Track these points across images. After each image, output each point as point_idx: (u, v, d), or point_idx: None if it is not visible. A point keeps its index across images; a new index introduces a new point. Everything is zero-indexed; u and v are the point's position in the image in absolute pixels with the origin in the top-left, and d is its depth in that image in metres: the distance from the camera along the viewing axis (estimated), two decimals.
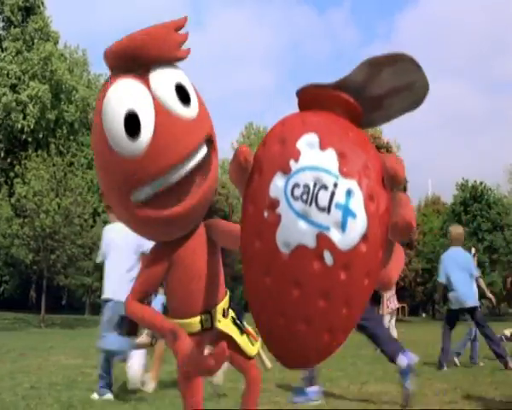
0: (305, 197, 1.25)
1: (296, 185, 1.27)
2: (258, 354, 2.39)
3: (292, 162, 1.29)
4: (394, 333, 12.54)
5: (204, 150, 1.99)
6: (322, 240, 1.24)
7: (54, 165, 29.34)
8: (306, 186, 1.25)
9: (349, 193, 1.24)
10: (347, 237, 1.23)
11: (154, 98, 1.88)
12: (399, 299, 48.97)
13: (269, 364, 2.44)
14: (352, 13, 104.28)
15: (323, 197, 1.24)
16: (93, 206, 41.10)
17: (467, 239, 40.80)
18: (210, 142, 2.04)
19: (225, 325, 2.24)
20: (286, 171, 1.29)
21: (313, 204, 1.25)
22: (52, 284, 35.17)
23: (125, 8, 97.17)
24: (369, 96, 1.42)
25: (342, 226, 1.23)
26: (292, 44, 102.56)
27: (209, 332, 2.19)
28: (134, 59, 1.88)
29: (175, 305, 2.18)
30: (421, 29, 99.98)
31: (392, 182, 1.31)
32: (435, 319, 45.43)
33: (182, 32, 1.95)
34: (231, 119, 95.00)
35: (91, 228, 31.98)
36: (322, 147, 1.29)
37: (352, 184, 1.25)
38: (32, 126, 34.14)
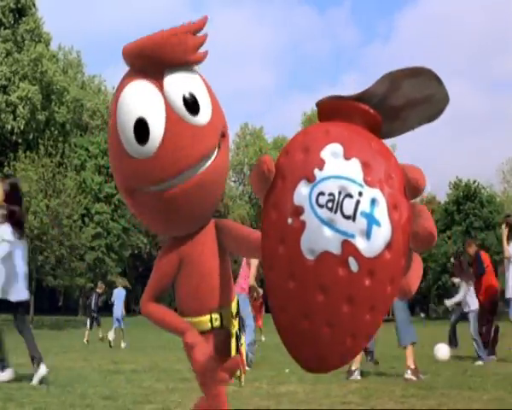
0: (330, 205, 1.29)
1: (321, 193, 1.31)
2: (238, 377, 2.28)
3: (316, 171, 1.33)
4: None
5: (215, 152, 1.99)
6: (348, 247, 1.28)
7: (42, 166, 29.22)
8: (331, 194, 1.29)
9: (373, 202, 1.28)
10: (372, 244, 1.27)
11: (167, 104, 1.88)
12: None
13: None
14: (352, 12, 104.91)
15: (348, 206, 1.28)
16: (86, 207, 41.04)
17: (459, 238, 41.38)
18: (222, 136, 2.04)
19: (233, 327, 2.21)
20: (310, 179, 1.34)
21: (338, 212, 1.28)
22: (48, 286, 35.00)
23: (123, 10, 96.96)
24: (389, 107, 1.46)
25: (367, 234, 1.27)
26: (292, 44, 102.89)
27: (221, 331, 2.17)
28: (149, 60, 1.87)
29: (184, 303, 2.17)
30: (421, 28, 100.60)
31: (414, 192, 1.35)
32: (429, 319, 45.67)
33: (200, 33, 1.93)
34: (231, 119, 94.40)
35: (80, 229, 31.89)
36: (347, 156, 1.33)
37: (376, 193, 1.30)
38: (22, 128, 34.01)
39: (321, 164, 1.34)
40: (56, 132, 36.52)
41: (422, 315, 50.39)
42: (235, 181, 66.20)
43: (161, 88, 1.89)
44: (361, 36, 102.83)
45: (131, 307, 59.13)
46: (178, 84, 1.92)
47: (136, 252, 49.91)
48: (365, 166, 1.32)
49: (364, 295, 1.30)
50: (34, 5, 38.21)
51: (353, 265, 1.28)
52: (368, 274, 1.28)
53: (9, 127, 34.01)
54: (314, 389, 5.33)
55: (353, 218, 1.28)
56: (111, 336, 13.93)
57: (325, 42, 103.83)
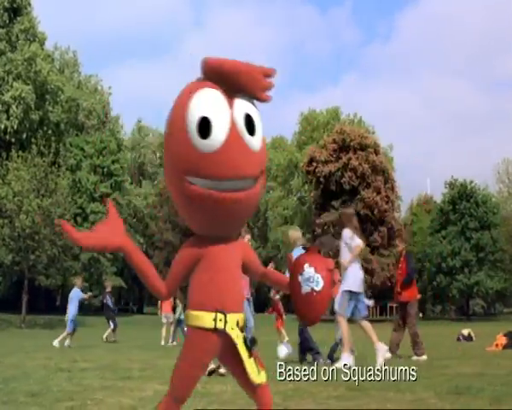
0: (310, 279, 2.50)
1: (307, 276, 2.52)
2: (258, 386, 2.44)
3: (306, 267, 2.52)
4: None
5: (253, 183, 2.31)
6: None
7: (34, 165, 29.23)
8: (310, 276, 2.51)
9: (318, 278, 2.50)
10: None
11: (232, 117, 2.22)
12: (386, 299, 48.11)
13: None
14: (354, 12, 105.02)
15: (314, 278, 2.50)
16: (81, 206, 41.08)
17: (455, 237, 41.29)
18: (261, 172, 2.38)
19: (237, 337, 2.34)
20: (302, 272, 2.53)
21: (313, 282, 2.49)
22: (44, 286, 35.05)
23: (121, 9, 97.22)
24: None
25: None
26: (292, 44, 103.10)
27: (222, 336, 2.30)
28: (227, 80, 2.21)
29: (194, 294, 2.33)
30: (422, 28, 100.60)
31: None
32: (425, 319, 45.63)
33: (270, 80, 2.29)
34: None
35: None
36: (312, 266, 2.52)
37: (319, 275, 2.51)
38: (15, 127, 34.07)
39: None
40: (50, 132, 36.53)
41: (420, 315, 50.34)
42: None
43: (230, 104, 2.23)
44: (362, 36, 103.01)
45: (130, 306, 59.46)
46: (244, 106, 2.27)
47: None
48: (318, 269, 2.49)
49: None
50: (30, 4, 38.29)
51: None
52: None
53: (3, 127, 34.10)
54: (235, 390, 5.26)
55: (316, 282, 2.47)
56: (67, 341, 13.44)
57: (326, 42, 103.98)
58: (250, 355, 2.35)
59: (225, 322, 2.27)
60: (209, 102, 2.20)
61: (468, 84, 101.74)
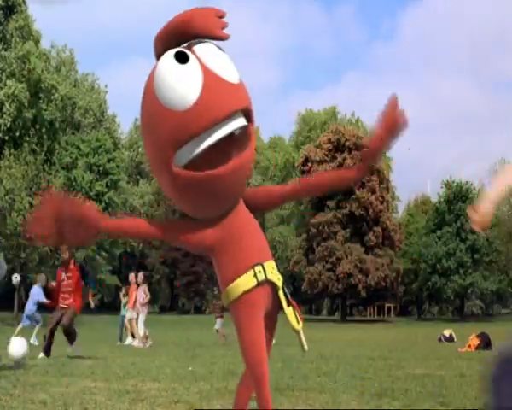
0: None
1: None
2: (299, 334, 2.41)
3: None
4: (141, 330, 12.70)
5: (243, 120, 2.21)
6: None
7: (27, 164, 29.27)
8: None
9: None
10: None
11: (201, 62, 2.12)
12: (381, 299, 48.25)
13: (306, 346, 2.45)
14: (359, 10, 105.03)
15: None
16: None
17: (450, 239, 41.17)
18: (249, 117, 2.26)
19: (278, 279, 2.32)
20: None
21: None
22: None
23: (119, 8, 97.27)
24: None
25: None
26: (296, 42, 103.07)
27: (265, 287, 2.27)
28: (182, 32, 2.15)
29: (229, 265, 2.29)
30: (426, 27, 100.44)
31: None
32: (421, 320, 45.47)
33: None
34: None
35: None
36: None
37: None
38: (8, 125, 34.08)
39: None
40: (44, 130, 36.52)
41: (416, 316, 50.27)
42: None
43: (194, 52, 2.15)
44: (366, 34, 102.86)
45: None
46: (211, 47, 2.20)
47: (128, 250, 50.04)
48: None
49: None
50: (24, 2, 38.27)
51: None
52: None
53: None
54: (166, 387, 5.25)
55: None
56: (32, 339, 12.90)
57: (331, 40, 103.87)
58: (288, 304, 2.33)
59: (264, 271, 2.26)
60: (171, 62, 2.14)
61: (469, 84, 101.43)
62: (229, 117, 2.13)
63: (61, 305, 8.92)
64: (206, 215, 2.28)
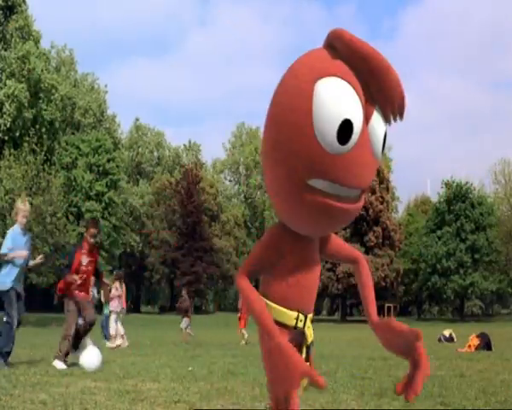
0: None
1: None
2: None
3: None
4: (120, 332, 12.88)
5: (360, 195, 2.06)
6: None
7: (26, 164, 29.27)
8: None
9: None
10: None
11: (364, 112, 1.89)
12: (381, 299, 48.31)
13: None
14: (360, 9, 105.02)
15: None
16: (77, 205, 41.12)
17: (450, 239, 41.18)
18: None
19: (310, 336, 2.29)
20: None
21: None
22: (38, 284, 35.08)
23: (118, 8, 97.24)
24: None
25: None
26: (297, 42, 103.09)
27: (295, 335, 2.21)
28: (361, 64, 1.88)
29: (280, 290, 2.20)
30: (426, 27, 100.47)
31: None
32: (421, 320, 45.48)
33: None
34: (230, 118, 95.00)
35: (64, 227, 31.90)
36: None
37: None
38: (8, 125, 34.07)
39: None
40: (43, 130, 36.53)
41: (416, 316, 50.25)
42: (230, 180, 66.17)
43: (360, 96, 1.88)
44: (366, 34, 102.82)
45: (128, 305, 59.56)
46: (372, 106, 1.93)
47: (128, 251, 50.04)
48: None
49: None
50: (25, 2, 38.29)
51: None
52: None
53: None
54: (166, 387, 5.24)
55: None
56: None
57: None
58: (307, 359, 2.28)
59: (304, 322, 2.24)
60: (348, 100, 1.85)
61: (469, 84, 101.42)
62: (359, 187, 2.02)
63: (77, 295, 7.56)
64: (312, 234, 2.22)
